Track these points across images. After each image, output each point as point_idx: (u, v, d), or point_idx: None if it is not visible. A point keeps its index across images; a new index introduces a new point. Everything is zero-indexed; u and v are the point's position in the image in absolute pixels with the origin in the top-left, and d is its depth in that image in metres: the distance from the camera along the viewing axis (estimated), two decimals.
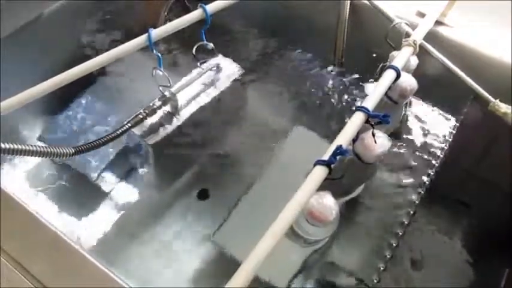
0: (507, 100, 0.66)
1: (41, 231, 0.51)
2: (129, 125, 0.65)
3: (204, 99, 0.71)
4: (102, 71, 0.79)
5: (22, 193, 0.68)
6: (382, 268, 0.59)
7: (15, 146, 0.48)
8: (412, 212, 0.64)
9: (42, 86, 0.52)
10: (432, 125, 0.73)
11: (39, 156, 0.53)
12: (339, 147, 0.45)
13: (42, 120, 0.76)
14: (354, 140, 0.50)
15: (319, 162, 0.45)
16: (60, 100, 0.75)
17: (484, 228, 0.74)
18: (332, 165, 0.45)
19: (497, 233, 0.72)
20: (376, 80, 0.57)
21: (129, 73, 0.82)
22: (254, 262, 0.38)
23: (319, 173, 0.44)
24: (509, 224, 0.71)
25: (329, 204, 0.46)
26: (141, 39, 0.57)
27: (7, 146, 0.47)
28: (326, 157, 0.45)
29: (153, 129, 0.67)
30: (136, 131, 0.66)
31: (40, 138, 0.70)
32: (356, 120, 0.49)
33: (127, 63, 0.81)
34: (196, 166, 0.72)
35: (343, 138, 0.47)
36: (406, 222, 0.63)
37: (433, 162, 0.69)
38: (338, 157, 0.45)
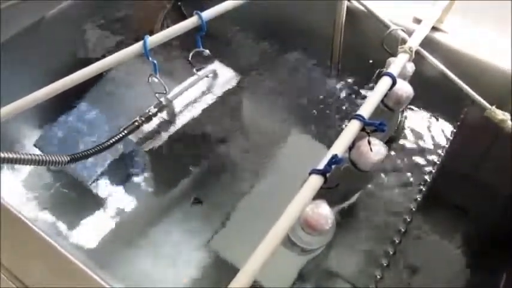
0: (507, 105, 0.65)
1: (35, 240, 0.50)
2: (125, 132, 0.65)
3: (201, 105, 0.71)
4: (98, 78, 0.78)
5: (17, 200, 0.67)
6: (379, 276, 0.59)
7: (11, 155, 0.48)
8: (409, 219, 0.64)
9: (38, 93, 0.51)
10: (429, 131, 0.73)
11: (34, 165, 0.53)
12: (334, 156, 0.45)
13: (38, 128, 0.75)
14: (350, 148, 0.50)
15: (314, 171, 0.44)
16: (56, 107, 0.75)
17: (482, 233, 0.73)
18: (327, 174, 0.44)
19: (495, 237, 0.72)
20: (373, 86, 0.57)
21: (126, 80, 0.82)
22: (250, 271, 0.38)
23: (315, 182, 0.44)
24: (508, 228, 0.70)
25: (325, 213, 0.45)
26: (137, 47, 0.57)
27: (2, 154, 0.47)
28: (321, 166, 0.45)
29: (149, 136, 0.67)
30: (133, 138, 0.66)
31: (36, 146, 0.70)
32: (352, 128, 0.49)
33: (124, 70, 0.81)
34: (192, 173, 0.71)
35: (339, 147, 0.47)
36: (403, 230, 0.63)
37: (430, 168, 0.69)
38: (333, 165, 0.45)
